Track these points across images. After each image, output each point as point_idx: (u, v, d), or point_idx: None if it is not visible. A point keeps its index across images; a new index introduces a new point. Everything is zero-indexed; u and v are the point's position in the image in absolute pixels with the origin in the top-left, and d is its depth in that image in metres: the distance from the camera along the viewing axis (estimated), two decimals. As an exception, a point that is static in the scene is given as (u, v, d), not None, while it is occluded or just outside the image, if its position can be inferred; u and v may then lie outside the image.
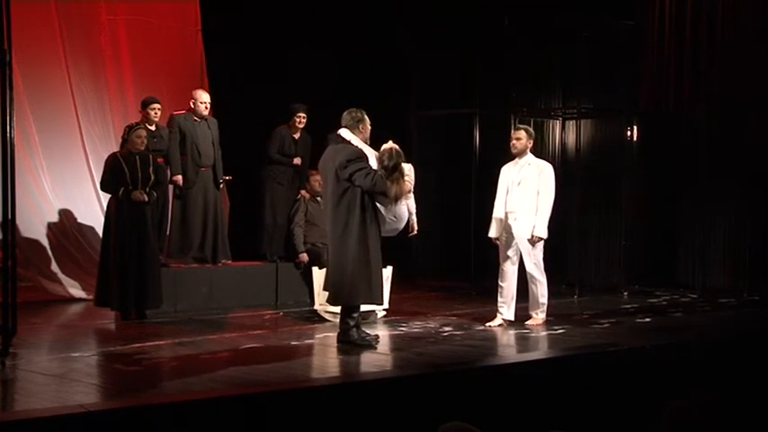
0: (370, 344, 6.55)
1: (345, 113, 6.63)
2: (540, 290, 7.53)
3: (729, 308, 8.90)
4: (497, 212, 7.60)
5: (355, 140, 6.52)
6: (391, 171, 6.44)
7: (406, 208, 6.66)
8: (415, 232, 6.95)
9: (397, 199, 6.49)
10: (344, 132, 6.55)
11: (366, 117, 6.63)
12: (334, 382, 5.49)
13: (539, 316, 7.58)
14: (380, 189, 6.38)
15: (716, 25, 9.94)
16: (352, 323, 6.57)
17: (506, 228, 7.53)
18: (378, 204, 6.49)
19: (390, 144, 6.59)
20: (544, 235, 7.42)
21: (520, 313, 7.62)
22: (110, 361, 6.04)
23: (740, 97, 9.76)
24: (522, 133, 7.56)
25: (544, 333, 7.26)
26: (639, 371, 6.07)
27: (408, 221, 6.74)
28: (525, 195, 7.44)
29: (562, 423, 4.46)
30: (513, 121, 10.09)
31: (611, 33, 10.04)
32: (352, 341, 6.52)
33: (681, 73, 10.19)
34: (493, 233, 7.62)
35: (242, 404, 4.76)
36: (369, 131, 6.63)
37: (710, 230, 9.80)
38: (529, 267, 7.48)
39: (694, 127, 9.84)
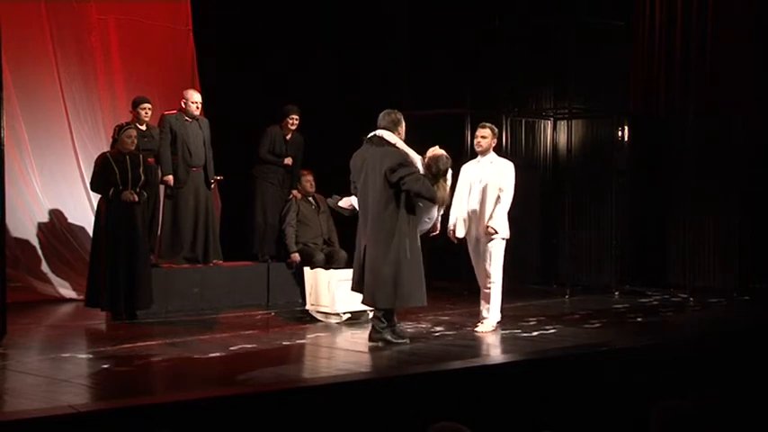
0: (405, 342, 6.68)
1: (383, 114, 6.67)
2: (495, 292, 7.25)
3: (720, 308, 8.92)
4: (460, 212, 7.36)
5: (400, 144, 6.58)
6: (440, 176, 6.53)
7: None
8: (437, 231, 7.03)
9: (442, 203, 6.60)
10: (387, 135, 6.58)
11: (402, 119, 6.68)
12: (326, 382, 5.48)
13: (490, 320, 7.27)
14: (430, 194, 6.46)
15: (706, 27, 9.95)
16: (390, 322, 6.64)
17: (469, 228, 7.30)
18: (418, 207, 6.57)
19: (440, 150, 6.67)
20: (501, 231, 7.19)
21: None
22: (100, 361, 6.02)
23: (729, 98, 9.79)
24: (488, 131, 7.34)
25: (536, 333, 7.26)
26: (630, 370, 6.08)
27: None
28: (488, 194, 7.27)
29: (553, 423, 4.47)
30: (504, 122, 10.09)
31: (603, 34, 10.05)
32: (387, 340, 6.59)
33: (671, 74, 10.20)
34: (460, 233, 7.37)
35: (233, 404, 4.75)
36: (404, 133, 6.71)
37: (701, 231, 9.81)
38: (488, 268, 7.23)
39: (684, 128, 9.85)
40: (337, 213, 9.12)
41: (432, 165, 6.56)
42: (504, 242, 7.31)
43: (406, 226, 6.50)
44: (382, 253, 6.47)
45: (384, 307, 6.62)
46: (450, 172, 6.68)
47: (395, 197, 6.47)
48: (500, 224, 7.24)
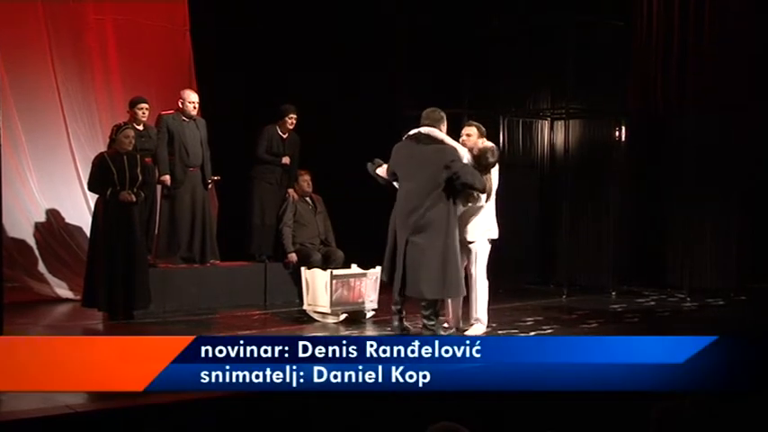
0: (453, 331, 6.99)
1: (427, 112, 6.86)
2: (481, 294, 7.09)
3: (717, 308, 8.93)
4: None
5: (447, 139, 6.78)
6: (490, 168, 6.84)
7: None
8: None
9: (489, 194, 6.88)
10: (434, 132, 6.76)
11: (444, 117, 6.88)
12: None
13: (478, 324, 7.11)
14: (482, 185, 6.71)
15: (703, 27, 9.96)
16: (438, 315, 6.85)
17: None
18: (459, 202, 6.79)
19: (489, 143, 7.01)
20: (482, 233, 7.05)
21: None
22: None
23: (728, 98, 9.79)
24: (474, 129, 7.14)
25: (533, 333, 7.26)
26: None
27: None
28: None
29: (552, 423, 4.47)
30: (501, 122, 10.09)
31: (601, 34, 10.05)
32: (437, 332, 6.78)
33: (668, 74, 10.20)
34: None
35: (232, 405, 4.75)
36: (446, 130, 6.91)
37: (698, 231, 9.82)
38: (472, 270, 7.07)
39: (682, 128, 9.86)
40: (335, 213, 9.19)
41: (481, 157, 6.84)
42: (490, 243, 7.13)
43: (453, 220, 6.70)
44: (430, 245, 6.63)
45: (431, 297, 6.73)
46: (496, 166, 6.96)
47: (444, 192, 6.65)
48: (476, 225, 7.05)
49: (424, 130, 6.79)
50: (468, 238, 7.03)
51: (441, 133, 6.78)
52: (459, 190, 6.69)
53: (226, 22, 10.00)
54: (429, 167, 6.65)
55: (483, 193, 6.79)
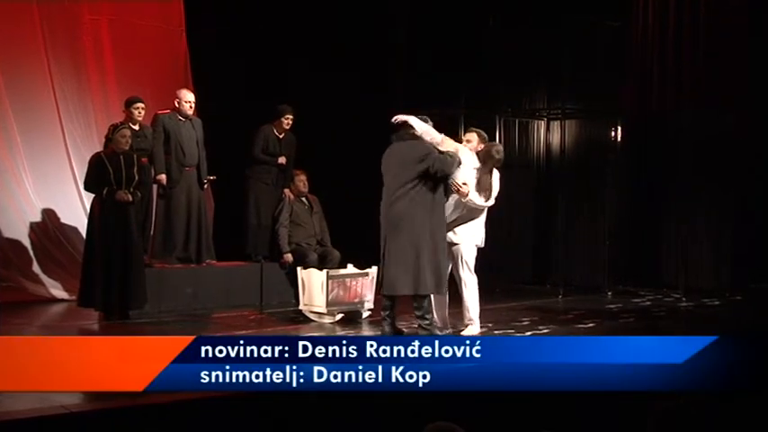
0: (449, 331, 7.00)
1: (422, 118, 6.80)
2: (470, 296, 7.03)
3: (713, 308, 8.95)
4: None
5: (430, 132, 6.67)
6: (494, 166, 6.90)
7: None
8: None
9: (488, 198, 6.88)
10: (415, 127, 6.69)
11: (430, 122, 6.82)
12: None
13: (472, 324, 7.09)
14: (450, 167, 6.59)
15: (699, 27, 9.97)
16: (431, 313, 6.77)
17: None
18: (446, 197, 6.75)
19: (496, 143, 7.15)
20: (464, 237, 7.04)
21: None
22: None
23: (725, 95, 9.80)
24: (474, 136, 7.12)
25: (529, 333, 7.27)
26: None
27: None
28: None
29: (553, 423, 4.46)
30: (498, 122, 10.09)
31: (597, 34, 10.07)
32: (433, 330, 6.72)
33: (664, 74, 10.22)
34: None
35: (230, 405, 4.74)
36: None
37: (694, 231, 9.84)
38: (460, 273, 7.01)
39: (678, 127, 9.88)
40: (331, 213, 9.18)
41: (494, 152, 6.91)
42: (474, 247, 7.05)
43: (429, 215, 6.59)
44: (403, 239, 6.57)
45: (405, 293, 6.66)
46: (497, 173, 6.94)
47: (418, 187, 6.55)
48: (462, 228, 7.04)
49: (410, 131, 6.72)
50: (454, 240, 6.97)
51: (422, 125, 6.63)
52: (442, 181, 6.59)
53: (222, 22, 9.99)
54: (402, 162, 6.59)
55: (456, 163, 6.62)
